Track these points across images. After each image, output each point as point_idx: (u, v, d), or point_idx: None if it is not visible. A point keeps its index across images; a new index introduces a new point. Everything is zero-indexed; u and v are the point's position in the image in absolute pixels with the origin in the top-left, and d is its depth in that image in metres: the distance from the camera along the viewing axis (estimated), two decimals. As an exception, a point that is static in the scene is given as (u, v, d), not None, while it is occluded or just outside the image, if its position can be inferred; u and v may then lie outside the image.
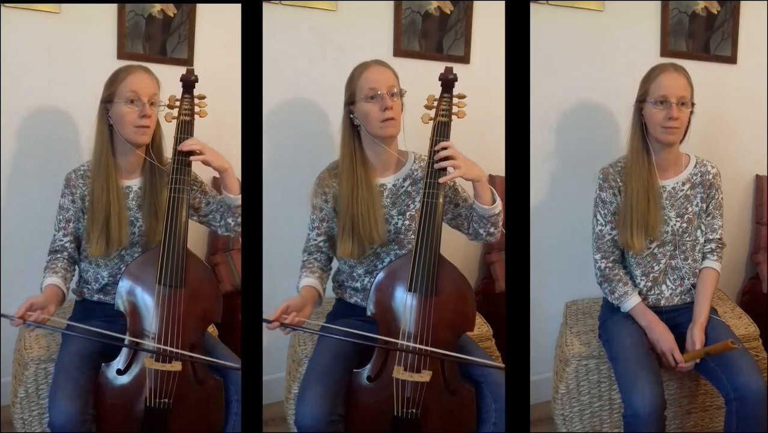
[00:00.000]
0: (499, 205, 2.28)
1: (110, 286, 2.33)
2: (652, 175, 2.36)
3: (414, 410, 2.13)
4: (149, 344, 2.17)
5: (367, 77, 2.23)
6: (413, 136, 2.31)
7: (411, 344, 2.13)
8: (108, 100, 2.26)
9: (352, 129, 2.28)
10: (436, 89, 2.26)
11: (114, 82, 2.26)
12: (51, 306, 2.19)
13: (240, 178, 2.33)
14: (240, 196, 2.32)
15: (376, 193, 2.28)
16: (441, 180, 2.17)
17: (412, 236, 2.29)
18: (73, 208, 2.32)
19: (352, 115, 2.26)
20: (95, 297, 2.36)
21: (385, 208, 2.30)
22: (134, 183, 2.33)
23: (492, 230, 2.32)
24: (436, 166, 2.17)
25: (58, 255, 2.33)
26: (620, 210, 2.38)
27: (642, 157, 2.36)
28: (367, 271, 2.34)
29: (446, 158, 2.16)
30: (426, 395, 2.13)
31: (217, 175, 2.36)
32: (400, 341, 2.13)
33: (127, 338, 2.18)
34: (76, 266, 2.38)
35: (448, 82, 2.24)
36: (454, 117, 2.23)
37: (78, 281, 2.39)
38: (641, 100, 2.35)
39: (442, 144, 2.19)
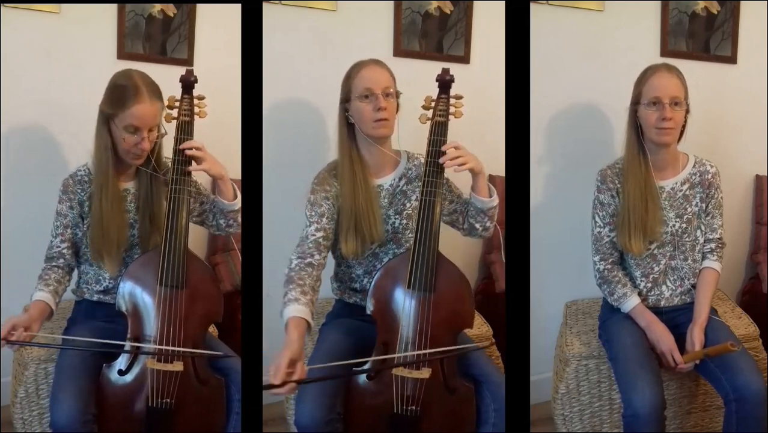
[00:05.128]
0: (496, 199, 2.29)
1: (111, 287, 2.33)
2: (649, 177, 2.35)
3: (413, 408, 2.13)
4: (150, 346, 2.17)
5: (362, 76, 2.23)
6: (409, 135, 2.31)
7: (407, 353, 2.12)
8: (109, 116, 2.20)
9: (348, 127, 2.28)
10: (436, 89, 2.26)
11: (118, 103, 2.18)
12: (35, 324, 2.14)
13: (240, 178, 2.33)
14: (234, 202, 2.32)
15: (374, 192, 2.28)
16: (441, 160, 2.16)
17: (410, 235, 2.30)
18: (71, 214, 2.29)
19: (347, 113, 2.26)
20: (95, 297, 2.36)
21: (383, 209, 2.30)
22: (131, 185, 2.32)
23: (488, 223, 2.32)
24: (455, 170, 2.17)
25: (54, 263, 2.30)
26: (618, 213, 2.38)
27: (638, 159, 2.35)
28: (366, 272, 2.34)
29: (456, 158, 2.16)
30: (425, 393, 2.13)
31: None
32: (396, 355, 2.12)
33: (128, 343, 2.18)
34: (75, 270, 2.36)
35: (445, 83, 2.25)
36: (451, 117, 2.24)
37: (78, 281, 2.39)
38: (635, 103, 2.35)
39: (452, 144, 2.19)
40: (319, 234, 2.24)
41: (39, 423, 2.36)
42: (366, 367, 2.14)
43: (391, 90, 2.24)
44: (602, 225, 2.41)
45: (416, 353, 2.12)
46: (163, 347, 2.15)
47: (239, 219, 2.36)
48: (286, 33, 2.70)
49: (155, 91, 2.21)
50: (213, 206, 2.37)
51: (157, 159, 2.30)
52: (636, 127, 2.35)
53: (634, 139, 2.36)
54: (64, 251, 2.30)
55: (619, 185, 2.39)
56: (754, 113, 2.91)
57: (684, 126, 2.35)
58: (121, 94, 2.19)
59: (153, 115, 2.21)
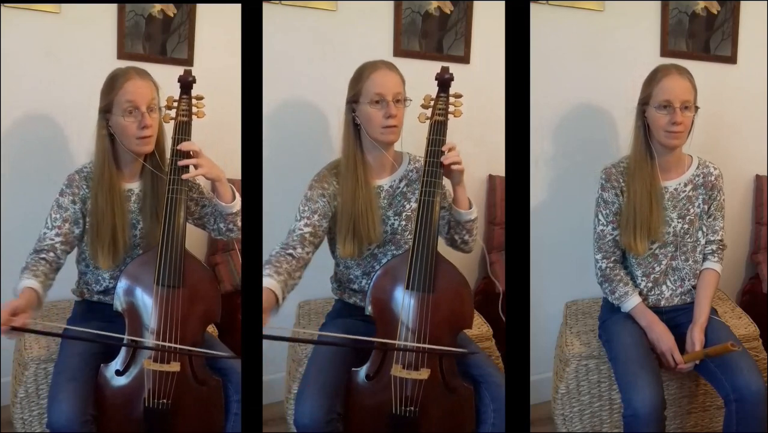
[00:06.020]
0: (475, 212, 2.30)
1: (111, 287, 2.32)
2: (655, 177, 2.35)
3: (412, 408, 2.14)
4: (148, 341, 2.17)
5: (375, 80, 2.22)
6: (408, 134, 2.31)
7: (409, 343, 2.13)
8: (106, 110, 2.22)
9: (354, 128, 2.27)
10: (435, 89, 2.26)
11: (110, 90, 2.21)
12: (29, 311, 2.05)
13: (240, 178, 2.33)
14: (232, 204, 2.32)
15: (374, 194, 2.28)
16: (443, 157, 2.17)
17: (409, 236, 2.29)
18: (72, 208, 2.26)
19: (354, 114, 2.26)
20: (95, 298, 2.35)
21: (382, 210, 2.30)
22: (135, 186, 2.31)
23: (467, 237, 2.33)
24: (453, 167, 2.18)
25: (43, 256, 2.21)
26: (623, 212, 2.38)
27: (645, 159, 2.35)
28: (364, 273, 2.34)
29: (453, 160, 2.18)
30: (424, 393, 2.13)
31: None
32: (397, 342, 2.13)
33: (126, 337, 2.18)
34: (75, 270, 2.33)
35: (444, 81, 2.25)
36: (450, 116, 2.23)
37: (78, 281, 2.39)
38: (644, 103, 2.34)
39: (449, 145, 2.19)
40: (307, 229, 2.24)
41: (39, 423, 2.36)
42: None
43: (401, 96, 2.23)
44: (605, 223, 2.41)
45: (418, 346, 2.12)
46: (162, 343, 2.15)
47: (239, 223, 2.36)
48: (286, 33, 2.70)
49: (144, 73, 2.24)
50: (214, 209, 2.37)
51: (161, 156, 2.30)
52: (644, 127, 2.35)
53: (642, 139, 2.35)
54: (57, 245, 2.24)
55: (623, 184, 2.38)
56: (754, 113, 2.91)
57: (691, 129, 2.34)
58: (111, 81, 2.23)
59: (147, 89, 2.21)
